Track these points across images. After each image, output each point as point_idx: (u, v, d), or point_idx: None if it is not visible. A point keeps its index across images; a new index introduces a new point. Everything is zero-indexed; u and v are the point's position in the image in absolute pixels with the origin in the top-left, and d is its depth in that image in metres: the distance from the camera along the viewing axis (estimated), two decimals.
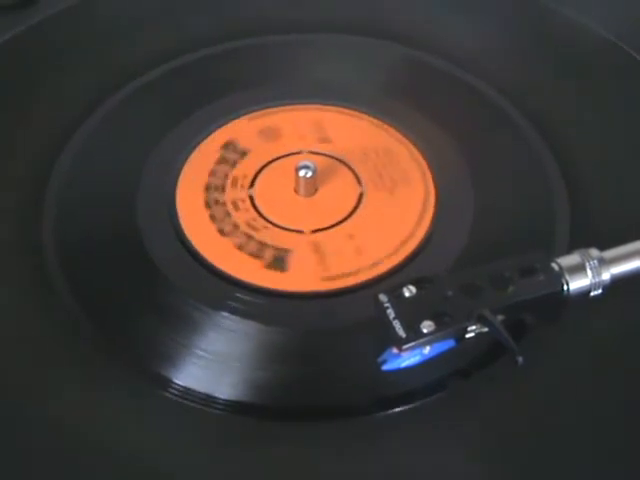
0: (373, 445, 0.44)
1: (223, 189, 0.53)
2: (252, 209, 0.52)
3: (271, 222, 0.51)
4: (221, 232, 0.51)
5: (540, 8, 0.64)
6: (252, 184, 0.53)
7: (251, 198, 0.52)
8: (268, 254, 0.50)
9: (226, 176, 0.53)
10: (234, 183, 0.53)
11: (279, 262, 0.49)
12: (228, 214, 0.52)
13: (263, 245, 0.50)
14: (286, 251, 0.50)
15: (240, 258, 0.49)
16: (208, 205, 0.52)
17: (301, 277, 0.49)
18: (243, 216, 0.51)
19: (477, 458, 0.43)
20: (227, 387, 0.45)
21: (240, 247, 0.50)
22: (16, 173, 0.55)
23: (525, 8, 0.65)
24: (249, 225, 0.51)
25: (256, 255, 0.50)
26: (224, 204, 0.52)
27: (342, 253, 0.50)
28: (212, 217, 0.51)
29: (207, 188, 0.53)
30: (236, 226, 0.51)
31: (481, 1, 0.65)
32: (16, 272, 0.50)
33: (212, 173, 0.53)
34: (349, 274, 0.49)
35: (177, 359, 0.46)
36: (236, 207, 0.52)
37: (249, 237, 0.50)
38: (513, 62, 0.61)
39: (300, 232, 0.51)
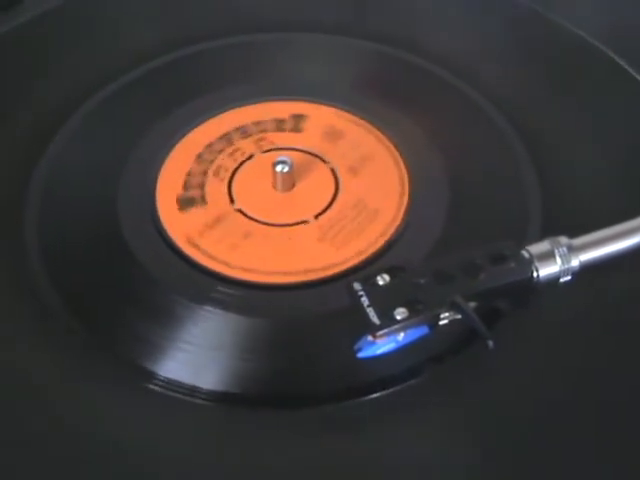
0: (356, 431, 0.44)
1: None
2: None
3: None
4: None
5: (524, 9, 0.65)
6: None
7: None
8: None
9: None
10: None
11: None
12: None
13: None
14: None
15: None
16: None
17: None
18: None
19: (458, 443, 0.44)
20: (210, 378, 0.46)
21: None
22: None
23: (508, 9, 0.66)
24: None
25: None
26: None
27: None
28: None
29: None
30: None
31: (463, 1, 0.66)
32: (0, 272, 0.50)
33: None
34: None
35: (161, 352, 0.46)
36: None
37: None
38: (485, 56, 0.62)
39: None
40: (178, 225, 0.51)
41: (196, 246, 0.50)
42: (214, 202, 0.53)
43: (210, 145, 0.56)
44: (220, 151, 0.55)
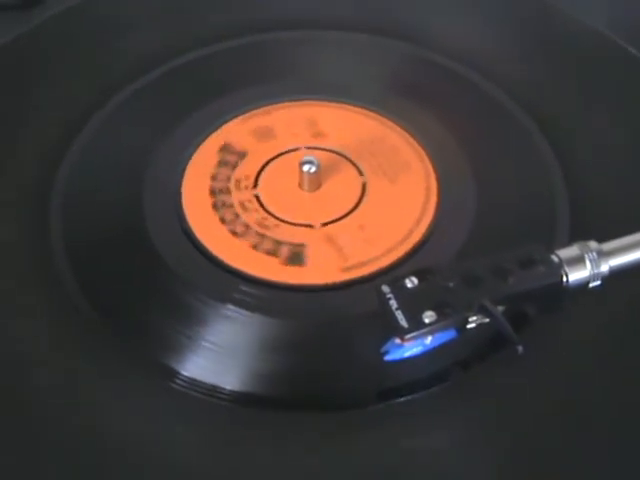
0: (377, 436, 0.44)
1: (228, 191, 0.53)
2: (261, 209, 0.52)
3: (281, 219, 0.52)
4: (233, 233, 0.51)
5: (542, 7, 0.65)
6: (256, 184, 0.54)
7: (257, 198, 0.53)
8: (284, 250, 0.50)
9: (228, 178, 0.54)
10: (237, 185, 0.53)
11: (297, 257, 0.50)
12: (237, 215, 0.52)
13: (278, 242, 0.51)
14: (301, 246, 0.50)
15: (256, 257, 0.50)
16: (215, 206, 0.52)
17: (320, 270, 0.49)
18: (253, 216, 0.52)
19: (479, 448, 0.44)
20: (233, 378, 0.46)
21: (255, 246, 0.51)
22: (19, 174, 0.55)
23: (527, 7, 0.65)
24: (260, 224, 0.52)
25: (272, 253, 0.50)
26: (232, 206, 0.53)
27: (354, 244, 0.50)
28: (222, 219, 0.52)
29: (212, 190, 0.53)
30: (247, 227, 0.51)
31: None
32: (24, 268, 0.50)
33: (214, 176, 0.54)
34: (361, 264, 0.49)
35: (183, 351, 0.46)
36: (244, 208, 0.52)
37: (262, 236, 0.51)
38: (514, 59, 0.61)
39: (311, 227, 0.52)
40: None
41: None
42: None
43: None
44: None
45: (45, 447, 0.43)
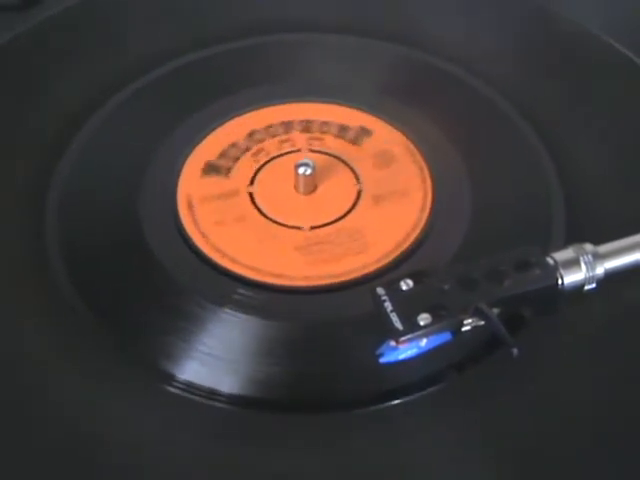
0: (373, 438, 0.44)
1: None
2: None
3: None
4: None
5: (538, 8, 0.65)
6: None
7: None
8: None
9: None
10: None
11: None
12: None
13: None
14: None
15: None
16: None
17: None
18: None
19: (476, 450, 0.44)
20: (230, 381, 0.46)
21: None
22: (17, 173, 0.55)
23: (522, 9, 0.65)
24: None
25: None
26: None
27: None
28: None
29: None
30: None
31: (479, 1, 0.66)
32: (19, 272, 0.50)
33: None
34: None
35: (180, 354, 0.46)
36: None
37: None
38: (510, 61, 0.61)
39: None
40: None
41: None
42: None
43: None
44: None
45: (42, 449, 0.43)
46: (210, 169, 0.54)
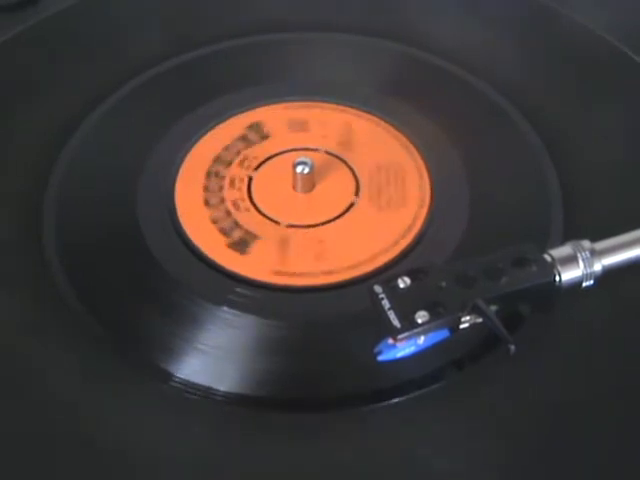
0: (370, 436, 0.44)
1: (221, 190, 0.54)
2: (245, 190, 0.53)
3: (256, 207, 0.52)
4: (225, 233, 0.51)
5: (539, 7, 0.65)
6: (258, 167, 0.54)
7: (250, 179, 0.54)
8: (236, 234, 0.51)
9: (222, 178, 0.54)
10: (232, 184, 0.54)
11: (242, 245, 0.50)
12: (229, 214, 0.52)
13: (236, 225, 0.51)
14: (254, 236, 0.51)
15: (249, 258, 0.50)
16: (208, 205, 0.53)
17: (256, 265, 0.49)
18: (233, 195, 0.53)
19: (476, 448, 0.44)
20: (227, 379, 0.46)
21: (214, 221, 0.51)
22: (16, 172, 0.55)
23: (523, 7, 0.65)
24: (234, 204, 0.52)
25: (225, 233, 0.51)
26: (224, 205, 0.53)
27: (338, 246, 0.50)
28: (215, 220, 0.52)
29: (206, 189, 0.54)
30: (238, 226, 0.52)
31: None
32: (17, 270, 0.50)
33: (208, 177, 0.54)
34: (347, 267, 0.49)
35: (178, 353, 0.46)
36: (237, 207, 0.53)
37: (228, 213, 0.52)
38: (511, 60, 0.61)
39: (276, 223, 0.52)
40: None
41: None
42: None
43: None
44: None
45: (41, 449, 0.43)
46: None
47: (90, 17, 0.65)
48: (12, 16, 0.65)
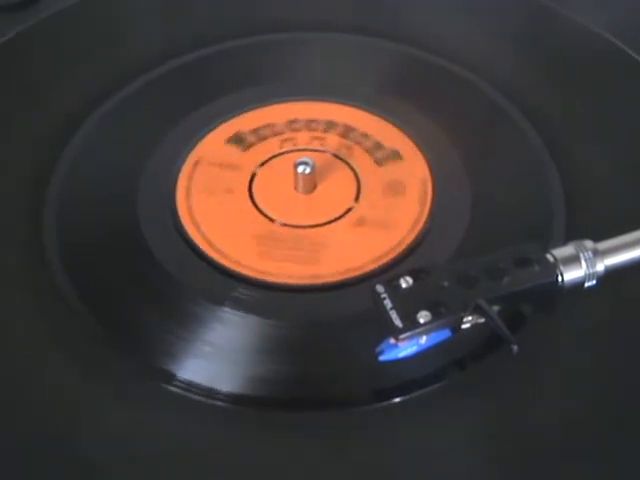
0: (372, 436, 0.44)
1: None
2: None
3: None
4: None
5: (539, 7, 0.65)
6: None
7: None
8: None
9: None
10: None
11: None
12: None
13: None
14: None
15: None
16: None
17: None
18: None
19: (477, 448, 0.43)
20: (229, 380, 0.46)
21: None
22: (17, 172, 0.55)
23: (524, 6, 0.65)
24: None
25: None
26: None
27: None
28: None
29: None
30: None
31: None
32: (18, 271, 0.50)
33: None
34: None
35: (180, 353, 0.46)
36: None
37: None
38: (511, 60, 0.61)
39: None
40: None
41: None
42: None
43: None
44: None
45: (42, 449, 0.43)
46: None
47: (90, 17, 0.65)
48: (13, 16, 0.65)
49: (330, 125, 0.57)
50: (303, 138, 0.56)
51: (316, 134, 0.56)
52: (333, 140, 0.56)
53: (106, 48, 0.62)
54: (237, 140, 0.56)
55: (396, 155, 0.55)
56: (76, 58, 0.62)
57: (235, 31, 0.63)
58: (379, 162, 0.54)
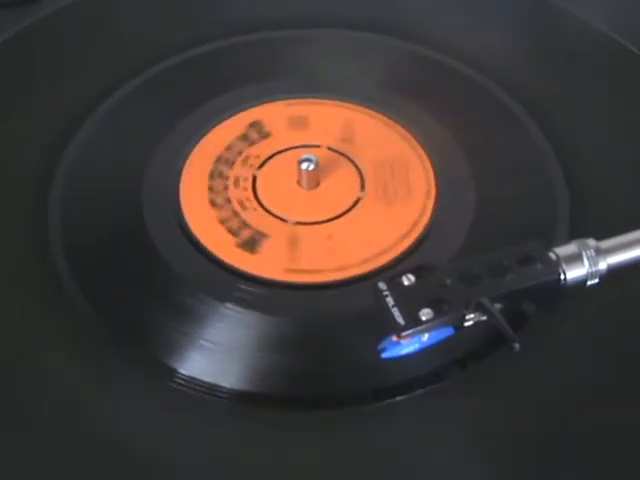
0: (373, 433, 0.44)
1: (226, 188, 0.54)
2: (250, 189, 0.53)
3: (262, 206, 0.52)
4: (212, 203, 0.52)
5: (543, 5, 0.65)
6: (261, 166, 0.54)
7: (254, 178, 0.54)
8: (245, 234, 0.51)
9: (227, 175, 0.54)
10: (236, 182, 0.54)
11: (251, 244, 0.50)
12: (235, 213, 0.52)
13: (244, 224, 0.51)
14: (263, 235, 0.51)
15: (218, 232, 0.50)
16: (214, 204, 0.52)
17: (268, 263, 0.49)
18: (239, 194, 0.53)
19: (476, 446, 0.44)
20: (231, 376, 0.46)
21: (222, 221, 0.51)
22: (19, 171, 0.55)
23: (529, 5, 0.65)
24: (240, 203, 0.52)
25: (234, 232, 0.51)
26: (230, 203, 0.53)
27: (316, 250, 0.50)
28: (220, 218, 0.52)
29: (210, 187, 0.54)
30: (245, 224, 0.52)
31: None
32: (23, 268, 0.50)
33: (212, 174, 0.54)
34: (352, 265, 0.49)
35: (182, 349, 0.46)
36: (243, 206, 0.53)
37: (235, 213, 0.52)
38: (515, 57, 0.61)
39: (284, 221, 0.52)
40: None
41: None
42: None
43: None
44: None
45: (44, 446, 0.43)
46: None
47: (90, 15, 0.65)
48: (14, 12, 0.65)
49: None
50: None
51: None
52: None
53: (105, 47, 0.62)
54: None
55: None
56: (76, 56, 0.62)
57: (234, 29, 0.63)
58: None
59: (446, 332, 0.43)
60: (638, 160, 0.55)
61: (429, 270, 0.44)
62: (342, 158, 0.55)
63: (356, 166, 0.54)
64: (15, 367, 0.46)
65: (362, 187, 0.53)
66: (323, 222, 0.51)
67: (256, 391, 0.46)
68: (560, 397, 0.45)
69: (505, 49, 0.62)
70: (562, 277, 0.44)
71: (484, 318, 0.43)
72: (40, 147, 0.56)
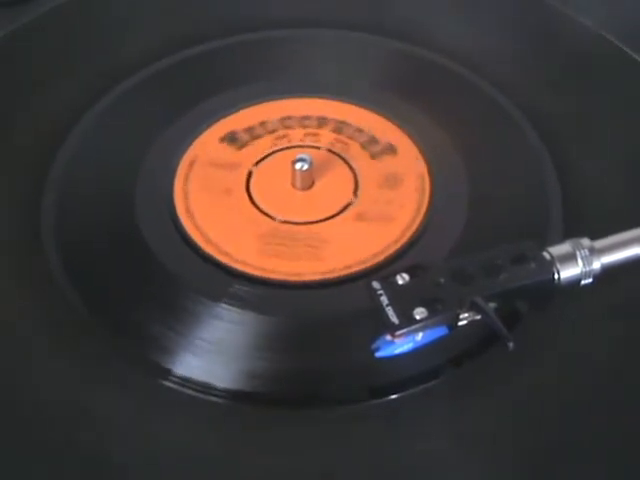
0: (367, 432, 0.44)
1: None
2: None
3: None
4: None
5: (539, 6, 0.65)
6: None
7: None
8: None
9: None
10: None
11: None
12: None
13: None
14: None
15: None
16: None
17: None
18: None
19: (470, 445, 0.44)
20: (225, 375, 0.46)
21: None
22: (14, 171, 0.55)
23: (524, 5, 0.65)
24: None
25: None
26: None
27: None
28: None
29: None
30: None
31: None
32: (15, 267, 0.50)
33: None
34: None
35: (176, 349, 0.46)
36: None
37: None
38: (510, 58, 0.62)
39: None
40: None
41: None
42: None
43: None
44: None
45: (40, 445, 0.43)
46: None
47: (87, 13, 0.65)
48: (11, 10, 0.65)
49: (323, 121, 0.57)
50: (297, 135, 0.56)
51: (310, 130, 0.56)
52: (327, 136, 0.56)
53: (104, 46, 0.62)
54: (231, 138, 0.56)
55: (391, 150, 0.55)
56: (73, 55, 0.62)
57: (228, 30, 0.63)
58: (376, 154, 0.55)
59: (440, 331, 0.43)
60: (632, 160, 0.55)
61: (423, 269, 0.44)
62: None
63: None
64: (13, 367, 0.46)
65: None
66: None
67: (250, 390, 0.45)
68: (555, 395, 0.45)
69: (500, 49, 0.62)
70: (556, 276, 0.45)
71: (478, 317, 0.43)
72: (35, 146, 0.56)
